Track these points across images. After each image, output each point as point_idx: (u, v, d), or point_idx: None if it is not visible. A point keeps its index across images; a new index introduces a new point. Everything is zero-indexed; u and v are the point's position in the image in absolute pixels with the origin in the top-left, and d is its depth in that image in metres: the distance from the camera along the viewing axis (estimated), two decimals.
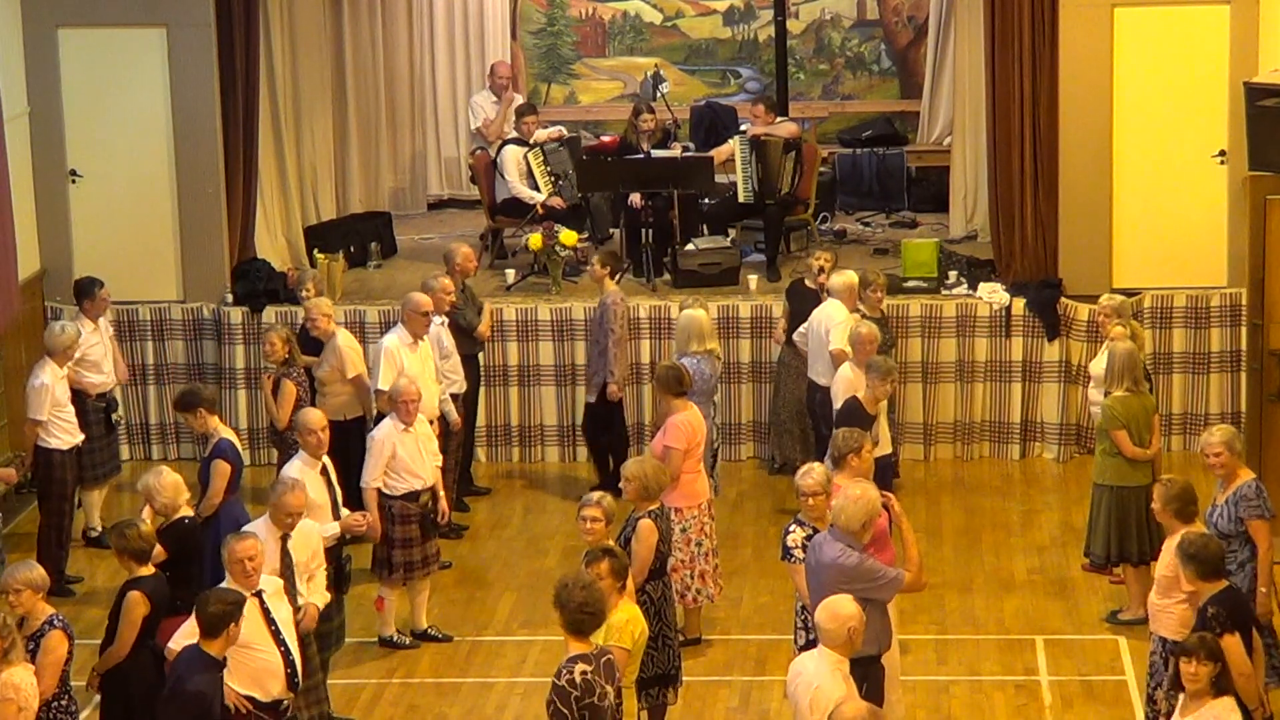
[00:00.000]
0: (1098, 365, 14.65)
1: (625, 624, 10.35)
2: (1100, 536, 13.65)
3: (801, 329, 15.87)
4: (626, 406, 17.13)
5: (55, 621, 10.62)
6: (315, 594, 11.95)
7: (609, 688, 9.69)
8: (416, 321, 14.94)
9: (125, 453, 17.20)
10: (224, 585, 10.63)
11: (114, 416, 15.54)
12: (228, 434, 13.40)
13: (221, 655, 10.21)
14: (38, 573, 10.73)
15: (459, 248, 16.22)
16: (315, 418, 12.79)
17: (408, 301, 15.01)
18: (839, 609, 9.76)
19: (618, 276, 16.30)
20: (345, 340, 15.22)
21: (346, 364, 15.09)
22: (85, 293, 15.53)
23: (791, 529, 11.44)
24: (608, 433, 16.35)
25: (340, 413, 14.83)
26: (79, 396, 15.02)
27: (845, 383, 14.43)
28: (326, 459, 12.88)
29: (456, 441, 15.58)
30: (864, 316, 15.56)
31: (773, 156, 18.11)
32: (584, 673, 9.56)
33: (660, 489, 12.05)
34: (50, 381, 14.56)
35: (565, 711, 9.49)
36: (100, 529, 15.51)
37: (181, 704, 10.07)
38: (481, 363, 16.51)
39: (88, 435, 15.02)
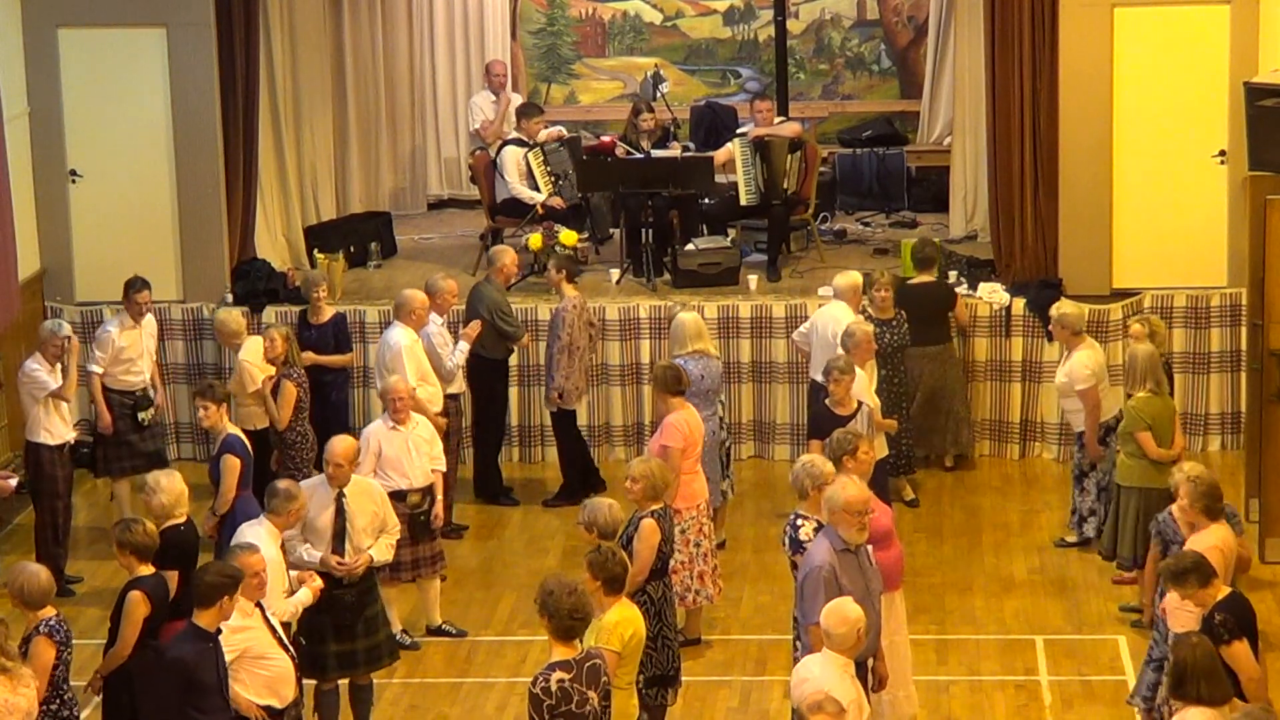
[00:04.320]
0: (1064, 373, 14.65)
1: (615, 626, 10.24)
2: (1129, 539, 13.51)
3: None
4: (626, 407, 17.17)
5: (42, 628, 10.44)
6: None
7: (591, 693, 9.51)
8: (420, 318, 14.99)
9: None
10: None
11: (140, 416, 15.49)
12: (235, 431, 13.41)
13: (213, 628, 10.11)
14: (36, 581, 10.55)
15: (504, 251, 16.22)
16: (341, 449, 12.30)
17: (411, 299, 15.02)
18: (848, 613, 9.73)
19: (576, 280, 16.29)
20: (247, 354, 15.15)
21: (245, 379, 15.05)
22: (125, 291, 15.50)
23: (800, 523, 11.34)
24: (564, 440, 16.32)
25: (250, 422, 14.87)
26: (107, 391, 15.19)
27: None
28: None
29: (455, 441, 15.59)
30: (870, 318, 15.53)
31: (778, 157, 18.08)
32: (560, 681, 9.39)
33: (665, 488, 12.02)
34: (46, 376, 14.61)
35: (537, 718, 9.38)
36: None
37: (159, 671, 10.12)
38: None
39: (115, 430, 15.20)
